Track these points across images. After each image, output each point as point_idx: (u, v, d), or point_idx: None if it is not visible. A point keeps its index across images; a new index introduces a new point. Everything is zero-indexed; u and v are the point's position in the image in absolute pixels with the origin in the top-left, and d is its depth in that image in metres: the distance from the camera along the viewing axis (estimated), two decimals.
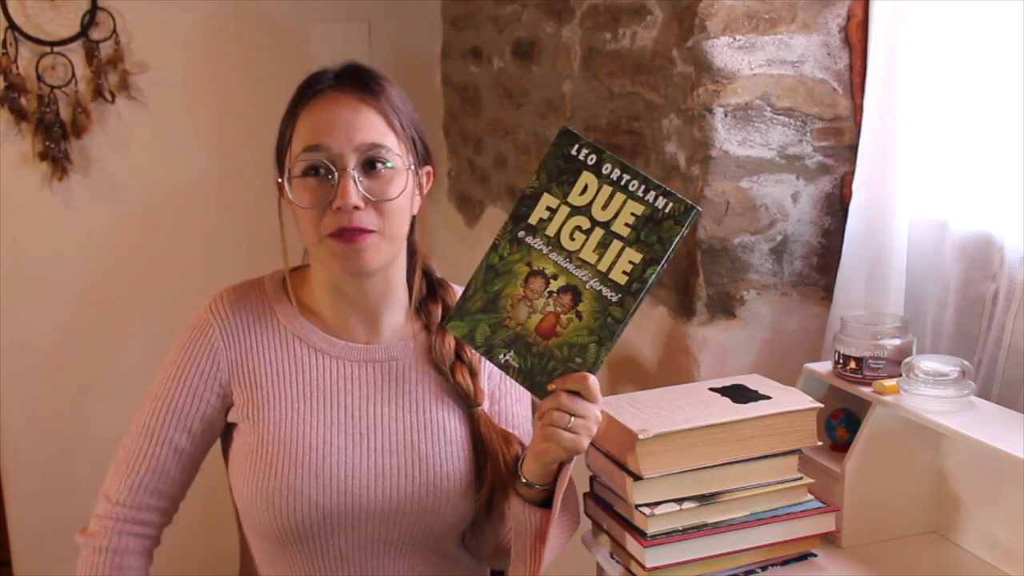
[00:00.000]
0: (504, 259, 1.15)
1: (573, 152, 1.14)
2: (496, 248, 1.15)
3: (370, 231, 1.21)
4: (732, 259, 1.65)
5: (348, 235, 1.20)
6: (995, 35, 1.37)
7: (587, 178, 1.13)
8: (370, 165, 1.22)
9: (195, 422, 1.31)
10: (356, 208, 1.20)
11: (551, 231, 1.14)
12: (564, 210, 1.14)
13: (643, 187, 1.13)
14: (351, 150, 1.21)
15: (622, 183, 1.13)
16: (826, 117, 1.65)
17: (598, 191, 1.13)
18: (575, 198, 1.14)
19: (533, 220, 1.14)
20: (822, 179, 1.66)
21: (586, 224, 1.13)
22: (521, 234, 1.14)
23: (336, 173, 1.20)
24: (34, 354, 2.82)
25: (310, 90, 1.26)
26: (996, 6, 1.37)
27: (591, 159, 1.14)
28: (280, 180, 1.28)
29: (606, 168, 1.13)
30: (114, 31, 2.70)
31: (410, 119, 1.28)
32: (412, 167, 1.26)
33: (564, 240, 1.14)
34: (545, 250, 1.14)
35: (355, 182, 1.20)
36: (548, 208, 1.14)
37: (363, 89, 1.25)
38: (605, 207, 1.13)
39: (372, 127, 1.23)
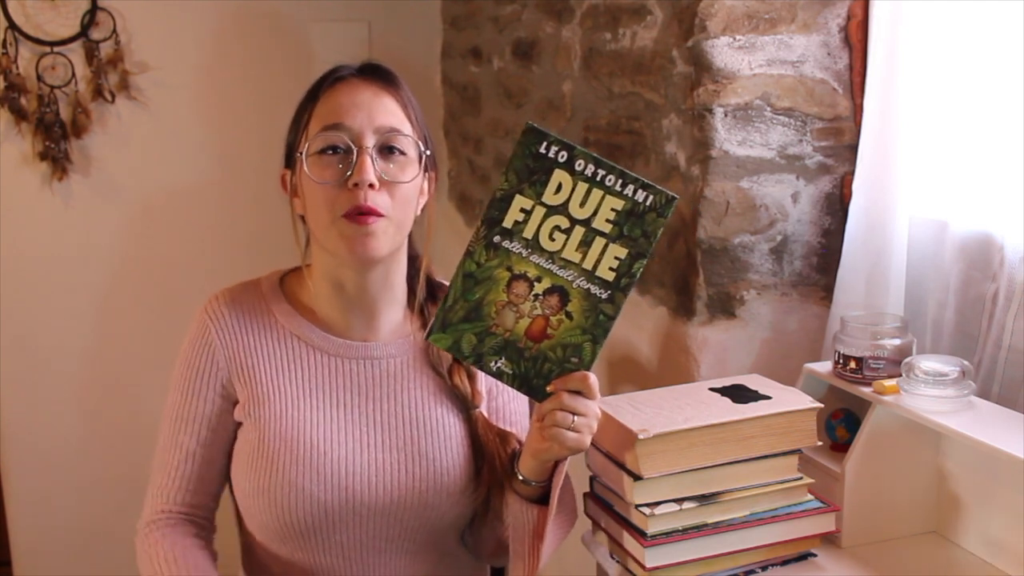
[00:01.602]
0: (482, 266, 1.12)
1: (542, 150, 1.10)
2: (471, 255, 1.12)
3: (381, 214, 1.23)
4: (732, 259, 1.65)
5: (360, 216, 1.22)
6: (995, 35, 1.37)
7: (560, 176, 1.10)
8: (388, 149, 1.26)
9: (204, 426, 1.31)
10: (371, 187, 1.22)
11: (528, 233, 1.11)
12: (540, 211, 1.11)
13: (620, 181, 1.10)
14: (371, 131, 1.24)
15: (598, 179, 1.10)
16: (826, 117, 1.65)
17: (573, 189, 1.10)
18: (550, 197, 1.11)
19: (508, 223, 1.11)
20: (822, 179, 1.66)
21: (565, 223, 1.11)
22: (496, 239, 1.11)
23: (354, 151, 1.23)
24: (34, 354, 2.82)
25: (332, 76, 1.30)
26: (996, 6, 1.37)
27: (562, 156, 1.10)
28: (294, 159, 1.30)
29: (579, 164, 1.10)
30: (114, 31, 2.70)
31: (422, 117, 1.32)
32: (426, 155, 1.29)
33: (544, 241, 1.11)
34: (524, 253, 1.11)
35: (372, 160, 1.23)
36: (522, 210, 1.11)
37: (385, 79, 1.29)
38: (583, 204, 1.11)
39: (391, 113, 1.27)
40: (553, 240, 1.11)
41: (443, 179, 3.05)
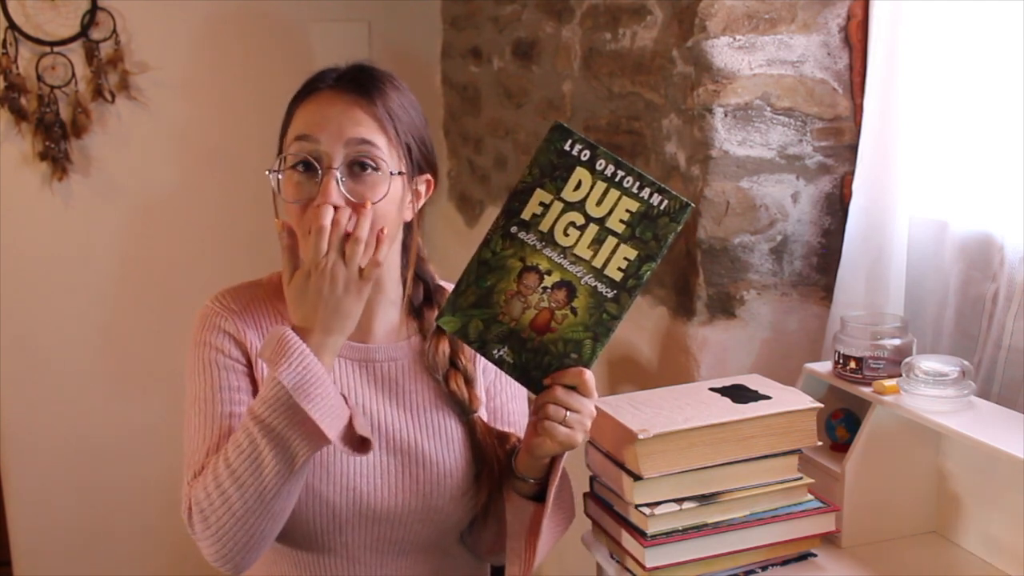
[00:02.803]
0: (497, 254, 1.14)
1: (566, 148, 1.13)
2: (488, 243, 1.14)
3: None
4: (732, 259, 1.65)
5: None
6: (995, 35, 1.37)
7: (581, 174, 1.13)
8: (359, 166, 1.22)
9: (241, 391, 1.25)
10: (336, 208, 1.18)
11: (544, 227, 1.13)
12: (557, 206, 1.13)
13: (638, 184, 1.12)
14: (339, 147, 1.21)
15: (616, 179, 1.12)
16: (826, 117, 1.65)
17: (592, 187, 1.13)
18: (569, 194, 1.13)
19: (526, 215, 1.13)
20: (822, 179, 1.66)
21: (580, 220, 1.13)
22: (514, 229, 1.14)
23: (321, 171, 1.20)
24: (34, 354, 2.82)
25: (309, 88, 1.26)
26: (996, 6, 1.37)
27: (585, 155, 1.13)
28: (269, 171, 1.26)
29: (600, 164, 1.13)
30: (114, 31, 2.70)
31: (409, 126, 1.28)
32: (400, 173, 1.25)
33: (558, 236, 1.13)
34: (539, 246, 1.13)
35: (338, 182, 1.20)
36: (541, 204, 1.13)
37: (360, 91, 1.25)
38: (599, 203, 1.13)
39: (361, 126, 1.22)
40: (567, 235, 1.13)
41: (443, 179, 3.05)
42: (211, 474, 1.16)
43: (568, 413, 1.13)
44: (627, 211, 1.12)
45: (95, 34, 2.69)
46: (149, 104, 2.78)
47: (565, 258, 1.13)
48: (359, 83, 1.26)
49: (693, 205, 1.13)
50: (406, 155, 1.26)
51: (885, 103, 1.49)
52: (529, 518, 1.23)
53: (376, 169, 1.22)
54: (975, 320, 1.41)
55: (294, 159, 1.22)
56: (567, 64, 2.13)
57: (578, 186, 1.13)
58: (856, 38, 1.62)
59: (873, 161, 1.52)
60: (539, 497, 1.24)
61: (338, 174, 1.20)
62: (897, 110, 1.48)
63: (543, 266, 1.13)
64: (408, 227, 1.32)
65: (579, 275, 1.13)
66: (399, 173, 1.24)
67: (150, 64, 2.76)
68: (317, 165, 1.20)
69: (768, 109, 1.62)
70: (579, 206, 1.13)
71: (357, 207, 1.19)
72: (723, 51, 1.60)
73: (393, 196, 1.23)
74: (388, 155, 1.23)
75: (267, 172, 1.24)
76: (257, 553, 1.18)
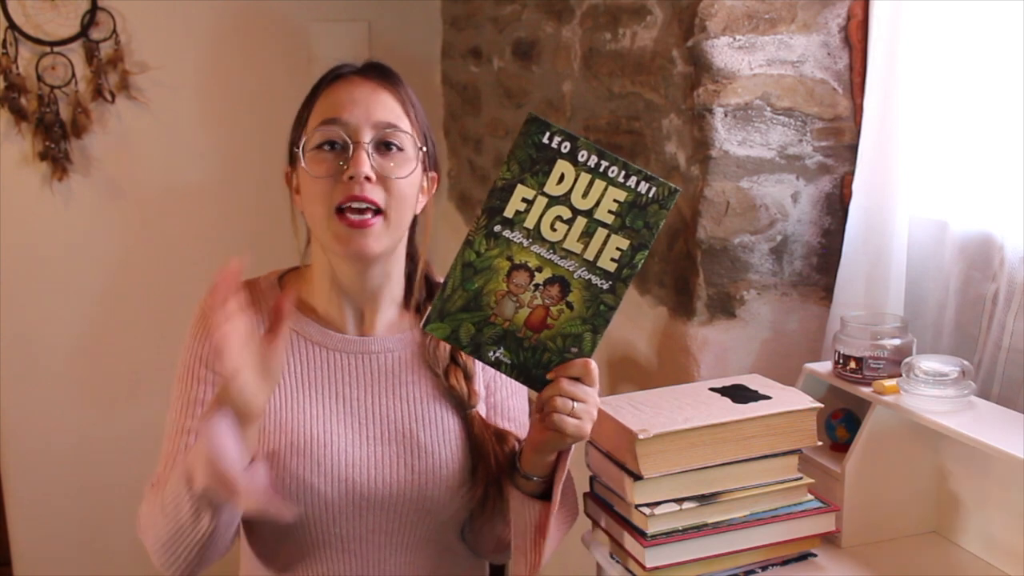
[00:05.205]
0: (481, 255, 1.12)
1: (545, 140, 1.10)
2: (471, 244, 1.12)
3: (377, 209, 1.23)
4: (732, 259, 1.65)
5: (356, 216, 1.22)
6: (995, 35, 1.37)
7: (563, 167, 1.10)
8: (384, 146, 1.26)
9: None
10: (367, 180, 1.22)
11: (530, 223, 1.11)
12: (541, 201, 1.11)
13: (623, 173, 1.10)
14: (368, 127, 1.25)
15: (601, 170, 1.10)
16: (826, 117, 1.65)
17: (576, 179, 1.10)
18: (552, 188, 1.11)
19: (509, 213, 1.11)
20: (822, 179, 1.66)
21: (567, 214, 1.11)
22: (497, 228, 1.11)
23: (351, 146, 1.23)
24: (34, 354, 2.82)
25: (333, 74, 1.31)
26: (996, 6, 1.37)
27: (565, 147, 1.10)
28: (294, 149, 1.31)
29: (582, 155, 1.10)
30: (114, 31, 2.70)
31: (423, 116, 1.32)
32: (423, 151, 1.29)
33: (545, 231, 1.11)
34: (525, 243, 1.11)
35: (368, 155, 1.23)
36: (524, 200, 1.11)
37: (384, 78, 1.30)
38: (585, 195, 1.11)
39: (389, 109, 1.27)
40: (555, 230, 1.11)
41: (443, 179, 3.05)
42: (149, 498, 1.24)
43: (575, 404, 1.13)
44: (615, 201, 1.10)
45: (95, 34, 2.69)
46: (149, 104, 2.79)
47: (555, 253, 1.11)
48: (381, 71, 1.31)
49: (680, 190, 1.12)
50: (423, 143, 1.30)
51: (885, 103, 1.49)
52: (535, 517, 1.23)
53: (401, 149, 1.27)
54: (975, 320, 1.41)
55: (321, 138, 1.25)
56: (567, 64, 2.13)
57: (561, 179, 1.10)
58: (856, 38, 1.62)
59: (873, 161, 1.52)
60: (544, 495, 1.24)
61: (368, 149, 1.24)
62: (897, 110, 1.48)
63: (532, 263, 1.12)
64: (414, 223, 1.34)
65: (571, 269, 1.12)
66: (423, 150, 1.29)
67: (150, 64, 2.76)
68: (348, 141, 1.24)
69: (768, 109, 1.62)
70: (564, 199, 1.11)
71: (387, 182, 1.24)
72: (723, 51, 1.60)
73: (414, 179, 1.28)
74: (411, 138, 1.28)
75: (296, 150, 1.27)
76: (194, 570, 1.23)
